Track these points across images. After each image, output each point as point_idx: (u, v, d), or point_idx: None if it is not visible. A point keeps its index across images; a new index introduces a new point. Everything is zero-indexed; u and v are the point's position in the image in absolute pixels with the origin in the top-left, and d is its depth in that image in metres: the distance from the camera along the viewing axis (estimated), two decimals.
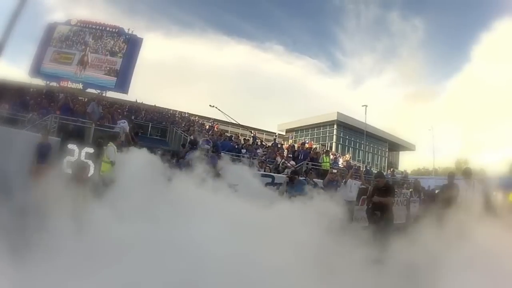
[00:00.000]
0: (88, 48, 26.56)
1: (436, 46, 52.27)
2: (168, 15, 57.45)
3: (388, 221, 6.95)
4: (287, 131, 36.72)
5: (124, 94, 26.10)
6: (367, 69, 53.77)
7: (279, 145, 18.36)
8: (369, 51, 58.01)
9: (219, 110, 17.70)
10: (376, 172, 12.81)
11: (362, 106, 29.89)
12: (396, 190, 9.58)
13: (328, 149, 29.58)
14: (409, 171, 29.05)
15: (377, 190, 7.39)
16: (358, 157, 34.70)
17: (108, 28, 27.53)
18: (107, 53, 27.07)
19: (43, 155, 7.53)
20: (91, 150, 7.97)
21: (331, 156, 18.74)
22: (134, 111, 19.96)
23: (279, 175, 11.35)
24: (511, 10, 37.72)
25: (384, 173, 15.48)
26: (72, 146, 7.87)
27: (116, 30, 27.68)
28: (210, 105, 18.86)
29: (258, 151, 15.12)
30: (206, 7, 56.27)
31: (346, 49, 62.30)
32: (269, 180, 10.37)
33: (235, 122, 19.75)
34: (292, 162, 14.09)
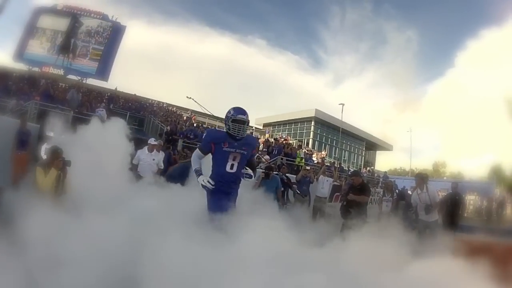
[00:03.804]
0: (72, 33, 26.57)
1: (420, 50, 53.18)
2: (152, 3, 56.82)
3: (361, 218, 7.06)
4: (265, 125, 36.90)
5: (104, 82, 26.40)
6: (348, 69, 54.52)
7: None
8: (352, 51, 58.80)
9: (195, 102, 18.20)
10: (352, 170, 13.18)
11: (339, 104, 30.52)
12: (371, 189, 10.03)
13: (305, 145, 30.28)
14: (384, 170, 30.00)
15: (352, 188, 7.77)
16: (335, 154, 35.45)
17: (92, 15, 27.51)
18: (90, 39, 27.13)
19: (23, 142, 7.83)
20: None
21: (304, 151, 19.44)
22: (112, 99, 20.23)
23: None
24: (498, 19, 38.72)
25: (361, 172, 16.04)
26: (50, 133, 8.21)
27: (101, 16, 27.69)
28: (187, 97, 19.34)
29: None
30: None
31: (328, 48, 63.00)
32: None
33: (212, 114, 20.31)
34: (267, 157, 14.54)
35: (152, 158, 7.94)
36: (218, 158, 4.04)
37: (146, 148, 8.07)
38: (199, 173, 3.98)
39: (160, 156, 8.19)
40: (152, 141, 8.28)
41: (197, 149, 4.15)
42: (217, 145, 4.00)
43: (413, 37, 51.30)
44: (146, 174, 7.46)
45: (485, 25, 49.03)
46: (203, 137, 4.25)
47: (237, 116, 4.07)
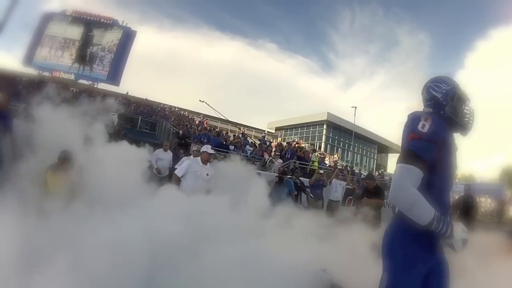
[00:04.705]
0: (81, 39, 26.61)
1: (430, 51, 52.82)
2: (161, 9, 57.21)
3: (375, 223, 7.13)
4: (277, 129, 36.70)
5: (115, 86, 26.39)
6: (359, 71, 54.21)
7: (267, 143, 18.62)
8: (362, 53, 58.58)
9: (208, 105, 18.03)
10: (366, 173, 12.91)
11: (352, 107, 30.24)
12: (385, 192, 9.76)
13: (317, 148, 29.91)
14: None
15: (366, 192, 7.51)
16: (347, 157, 35.00)
17: (102, 20, 27.58)
18: (101, 44, 27.15)
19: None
20: None
21: (318, 155, 19.09)
22: (124, 103, 20.12)
23: (266, 172, 11.50)
24: (507, 19, 38.37)
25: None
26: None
27: (111, 22, 27.76)
28: (200, 100, 19.28)
29: (246, 148, 15.41)
30: (200, 2, 56.29)
31: (339, 50, 62.82)
32: None
33: (224, 118, 20.07)
34: (280, 160, 14.31)
35: (206, 172, 5.67)
36: (443, 174, 1.95)
37: (198, 158, 5.89)
38: (444, 224, 1.76)
39: (213, 171, 5.81)
40: (208, 149, 5.94)
41: (409, 165, 1.81)
42: (446, 148, 1.94)
43: (425, 41, 50.89)
44: (196, 189, 5.21)
45: (494, 25, 48.63)
46: (416, 129, 1.84)
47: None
